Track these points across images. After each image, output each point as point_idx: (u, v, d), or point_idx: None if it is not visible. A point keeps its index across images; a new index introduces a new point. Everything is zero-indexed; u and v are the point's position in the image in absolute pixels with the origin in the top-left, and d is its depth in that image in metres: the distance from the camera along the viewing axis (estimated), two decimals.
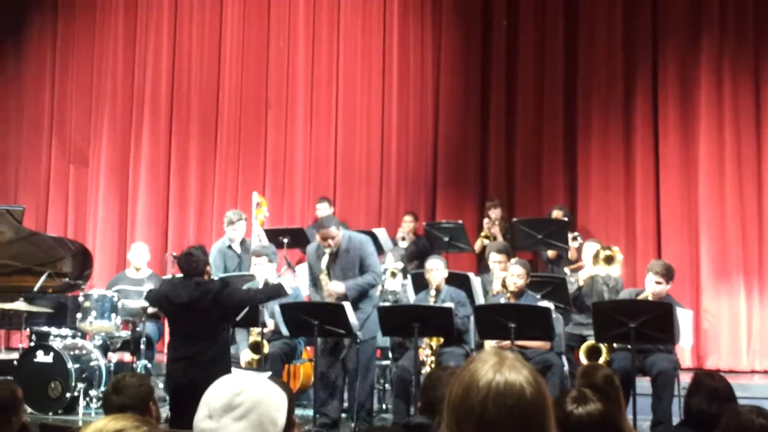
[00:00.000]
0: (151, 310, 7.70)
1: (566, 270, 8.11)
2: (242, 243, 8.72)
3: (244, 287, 7.46)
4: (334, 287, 6.85)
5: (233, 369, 6.56)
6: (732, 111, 9.16)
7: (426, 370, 6.70)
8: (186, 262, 5.97)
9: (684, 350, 8.14)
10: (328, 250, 6.91)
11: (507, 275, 7.09)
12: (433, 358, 6.92)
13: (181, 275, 8.06)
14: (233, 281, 7.77)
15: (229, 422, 1.96)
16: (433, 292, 7.10)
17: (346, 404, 7.12)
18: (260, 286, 7.06)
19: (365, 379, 6.93)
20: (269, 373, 6.21)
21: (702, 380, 4.07)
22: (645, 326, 6.06)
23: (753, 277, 8.93)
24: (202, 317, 5.81)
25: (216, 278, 7.34)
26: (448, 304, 6.70)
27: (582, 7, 9.88)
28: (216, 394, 2.03)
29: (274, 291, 6.50)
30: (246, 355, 7.32)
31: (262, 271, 7.31)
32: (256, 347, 7.19)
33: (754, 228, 8.99)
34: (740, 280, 8.93)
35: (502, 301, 6.98)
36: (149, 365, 7.78)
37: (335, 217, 7.21)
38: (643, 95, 9.53)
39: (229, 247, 8.70)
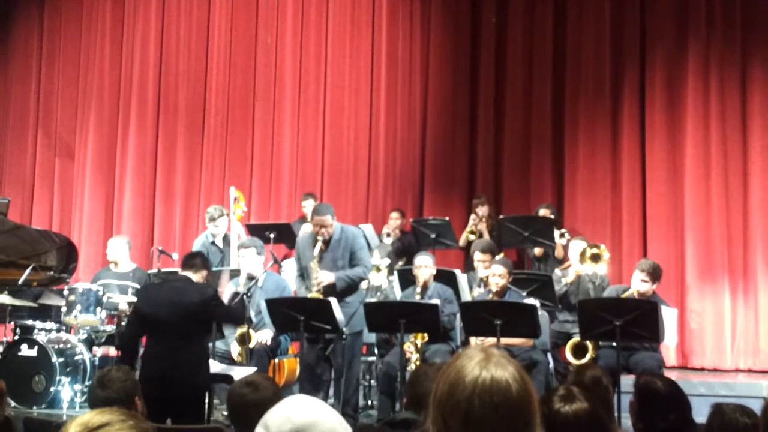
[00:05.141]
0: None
1: (557, 271, 8.13)
2: (224, 238, 8.70)
3: (230, 282, 7.46)
4: (323, 277, 6.85)
5: (224, 364, 6.55)
6: (718, 112, 9.19)
7: (411, 367, 6.70)
8: (187, 256, 5.98)
9: (669, 348, 8.17)
10: (320, 238, 6.90)
11: (489, 274, 7.11)
12: (417, 355, 6.92)
13: (165, 269, 8.10)
14: (218, 277, 7.77)
15: None
16: (419, 289, 7.10)
17: (331, 400, 7.11)
18: (243, 279, 7.10)
19: (350, 374, 6.92)
20: (254, 368, 6.20)
21: (651, 395, 3.61)
22: (630, 324, 6.09)
23: (738, 277, 8.96)
24: (191, 316, 5.69)
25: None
26: (435, 301, 6.70)
27: (570, 5, 9.89)
28: (273, 414, 2.08)
29: (240, 316, 6.54)
30: (235, 348, 7.31)
31: (249, 264, 7.30)
32: (242, 339, 7.18)
33: (739, 228, 9.03)
34: (725, 279, 8.96)
35: (487, 296, 6.99)
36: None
37: (331, 207, 7.18)
38: (630, 95, 9.55)
39: (213, 243, 8.67)
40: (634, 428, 3.67)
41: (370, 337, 7.57)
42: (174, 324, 5.62)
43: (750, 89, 9.16)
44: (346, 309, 6.74)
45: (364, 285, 7.46)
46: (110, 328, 7.80)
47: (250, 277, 7.39)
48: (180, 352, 5.59)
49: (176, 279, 5.93)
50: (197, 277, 5.87)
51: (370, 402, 7.76)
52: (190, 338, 5.67)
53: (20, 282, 8.07)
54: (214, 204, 9.32)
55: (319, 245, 6.90)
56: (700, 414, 3.63)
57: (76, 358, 7.50)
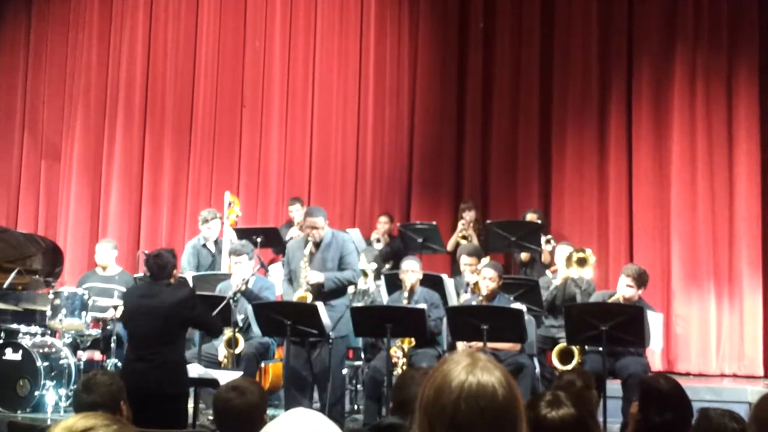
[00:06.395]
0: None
1: (549, 273, 8.15)
2: (216, 242, 8.69)
3: (218, 287, 7.44)
4: (312, 276, 6.85)
5: (210, 368, 6.52)
6: (704, 118, 9.22)
7: (397, 372, 6.70)
8: (154, 265, 5.79)
9: (654, 353, 8.20)
10: (311, 239, 6.92)
11: (479, 278, 7.11)
12: (404, 360, 6.92)
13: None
14: (207, 280, 7.75)
15: None
16: (406, 294, 7.10)
17: (317, 404, 7.09)
18: (233, 285, 7.05)
19: (336, 378, 6.91)
20: (240, 373, 6.17)
21: (651, 392, 3.59)
22: (616, 329, 6.10)
23: (723, 282, 9.00)
24: (166, 320, 5.65)
25: (183, 278, 7.30)
26: (421, 305, 6.70)
27: (558, 10, 9.92)
28: (276, 428, 2.09)
29: (217, 326, 6.51)
30: (222, 351, 7.29)
31: (242, 270, 7.27)
32: (230, 343, 7.15)
33: (725, 233, 9.06)
34: (711, 284, 8.99)
35: (475, 300, 7.00)
36: (119, 364, 7.70)
37: (324, 210, 7.21)
38: (617, 100, 9.58)
39: (204, 245, 8.67)
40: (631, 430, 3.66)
41: (357, 342, 7.55)
42: (147, 329, 5.61)
43: (736, 96, 9.20)
44: (332, 312, 6.74)
45: (350, 289, 7.46)
46: (95, 332, 7.77)
47: (245, 283, 7.36)
48: (154, 358, 5.56)
49: (154, 284, 5.85)
50: (172, 279, 5.86)
51: (356, 407, 7.75)
52: (164, 344, 5.61)
53: (5, 286, 8.03)
54: (201, 207, 9.30)
55: (309, 246, 6.93)
56: None
57: (61, 362, 7.46)
